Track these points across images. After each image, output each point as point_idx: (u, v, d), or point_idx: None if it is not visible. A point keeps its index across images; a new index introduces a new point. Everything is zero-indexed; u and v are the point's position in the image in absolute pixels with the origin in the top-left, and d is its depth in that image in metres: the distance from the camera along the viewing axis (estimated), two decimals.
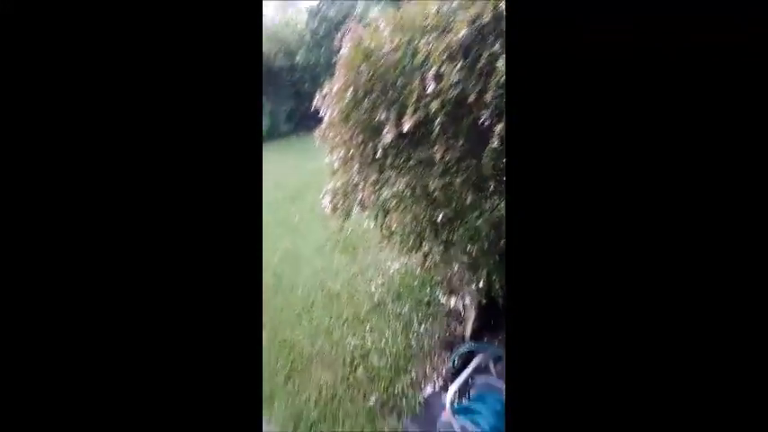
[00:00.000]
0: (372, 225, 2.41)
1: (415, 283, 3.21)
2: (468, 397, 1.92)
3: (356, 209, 2.34)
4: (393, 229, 2.09)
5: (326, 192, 2.35)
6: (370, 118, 1.89)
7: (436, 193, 1.80)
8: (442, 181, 1.75)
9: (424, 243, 2.17)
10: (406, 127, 1.61)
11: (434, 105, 1.56)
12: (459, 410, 1.76)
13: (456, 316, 2.79)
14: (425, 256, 2.22)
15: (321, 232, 4.26)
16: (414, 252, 2.22)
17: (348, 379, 2.44)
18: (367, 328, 2.84)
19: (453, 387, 1.72)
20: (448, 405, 1.64)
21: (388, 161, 1.90)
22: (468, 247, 1.92)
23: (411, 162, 1.91)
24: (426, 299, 3.00)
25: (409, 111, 1.59)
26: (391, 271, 3.42)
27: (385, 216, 2.15)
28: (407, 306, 2.98)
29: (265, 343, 2.83)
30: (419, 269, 2.31)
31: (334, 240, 4.07)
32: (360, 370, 2.50)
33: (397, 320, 2.86)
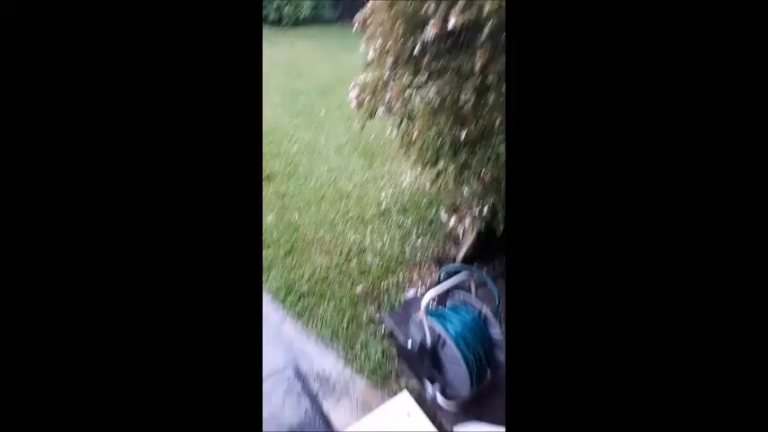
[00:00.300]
0: (395, 134, 2.37)
1: (423, 201, 3.27)
2: (444, 305, 2.09)
3: (381, 110, 2.27)
4: (413, 138, 2.05)
5: (355, 85, 2.26)
6: (415, 9, 1.72)
7: (465, 108, 1.72)
8: (474, 96, 1.66)
9: (440, 160, 2.15)
10: (451, 23, 1.47)
11: (489, 6, 1.40)
12: (431, 313, 1.94)
13: (454, 239, 2.89)
14: (439, 173, 2.22)
15: (344, 132, 4.22)
16: (428, 167, 2.21)
17: (341, 267, 2.66)
18: (368, 229, 2.99)
19: (432, 292, 1.86)
20: (423, 305, 1.80)
21: (425, 61, 1.79)
22: (483, 171, 1.90)
23: (448, 68, 1.79)
24: (430, 218, 3.08)
25: (459, 4, 1.43)
26: (403, 185, 3.46)
27: (408, 123, 2.10)
28: (410, 220, 3.09)
29: (273, 221, 3.03)
30: (429, 186, 2.31)
31: (355, 143, 4.05)
32: (353, 263, 2.70)
33: (398, 229, 2.99)
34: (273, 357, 2.16)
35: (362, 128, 2.41)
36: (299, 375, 2.03)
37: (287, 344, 2.24)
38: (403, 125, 2.23)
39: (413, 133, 2.07)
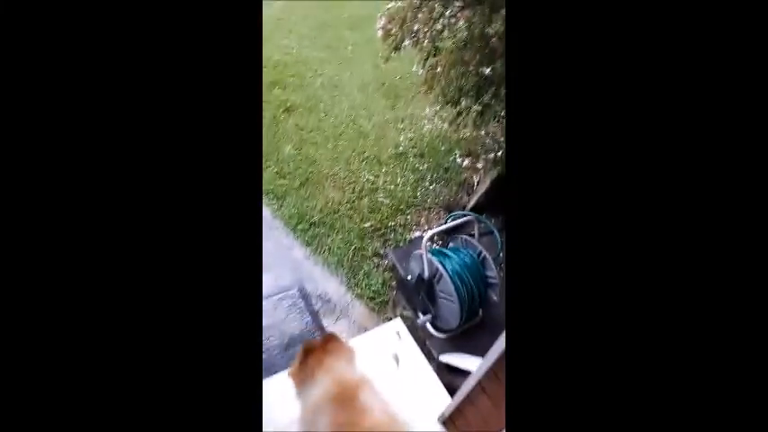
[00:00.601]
0: (420, 71, 2.28)
1: (442, 147, 3.22)
2: (447, 246, 2.15)
3: (408, 42, 2.18)
4: (438, 73, 1.98)
5: (384, 13, 2.15)
6: None
7: (493, 41, 1.63)
8: (503, 27, 1.56)
9: (462, 99, 2.08)
10: None
11: None
12: (433, 251, 2.00)
13: (467, 189, 2.88)
14: (459, 113, 2.16)
15: (369, 70, 4.08)
16: (450, 106, 2.15)
17: (352, 203, 2.72)
18: (383, 170, 3.00)
19: (435, 229, 1.91)
20: (424, 240, 1.86)
21: None
22: (504, 113, 1.84)
23: None
24: (446, 165, 3.05)
25: None
26: (424, 129, 3.39)
27: (434, 58, 2.01)
28: (426, 165, 3.06)
29: (290, 152, 3.07)
30: (448, 126, 2.26)
31: (380, 82, 3.92)
32: (365, 200, 2.75)
33: (413, 173, 2.98)
34: (282, 276, 2.31)
35: (387, 60, 2.33)
36: (304, 294, 2.18)
37: (295, 266, 2.37)
38: (429, 60, 2.14)
39: (437, 68, 1.99)
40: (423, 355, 1.84)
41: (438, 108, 2.23)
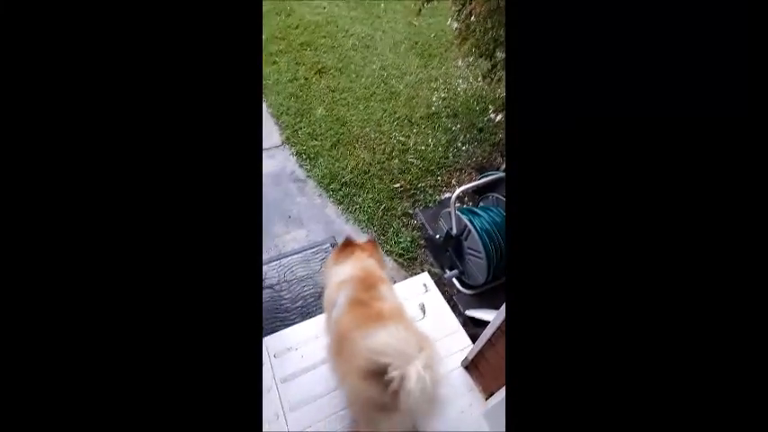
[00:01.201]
0: (455, 25, 2.19)
1: (477, 107, 3.12)
2: (477, 206, 2.14)
3: None
4: (472, 21, 1.90)
5: None
6: None
7: None
8: None
9: (497, 50, 1.99)
10: None
11: None
12: (462, 210, 2.00)
13: (501, 149, 2.80)
14: (493, 66, 2.08)
15: (402, 28, 3.95)
16: (484, 59, 2.07)
17: (383, 163, 2.74)
18: (414, 131, 2.97)
19: (464, 187, 1.90)
20: (453, 198, 1.86)
21: None
22: None
23: None
24: (480, 125, 2.97)
25: None
26: (458, 88, 3.29)
27: (469, 2, 1.92)
28: (459, 125, 3.00)
29: (322, 113, 3.10)
30: (482, 79, 2.19)
31: (412, 41, 3.80)
32: (395, 161, 2.76)
33: (445, 134, 2.94)
34: (315, 232, 2.41)
35: (419, 12, 2.25)
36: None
37: (327, 223, 2.47)
38: (464, 10, 2.04)
39: (472, 17, 1.91)
40: (448, 308, 1.90)
41: (472, 59, 2.15)
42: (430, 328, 1.81)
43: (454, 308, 1.99)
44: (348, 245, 1.44)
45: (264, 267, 2.14)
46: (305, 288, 2.10)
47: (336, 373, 1.26)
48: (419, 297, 1.91)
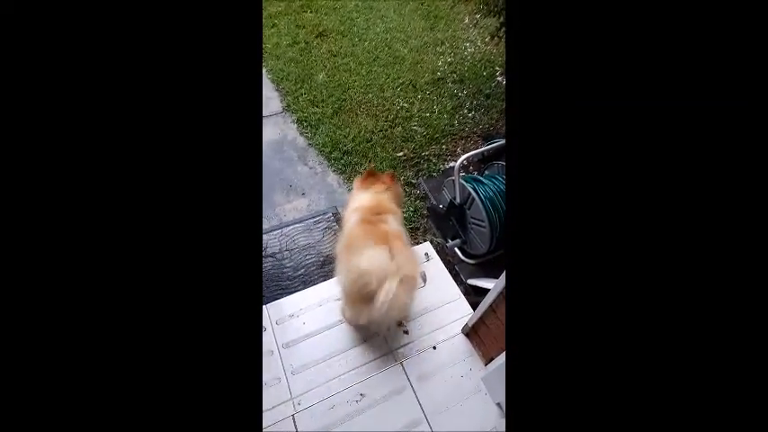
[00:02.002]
0: None
1: (484, 72, 2.99)
2: (482, 174, 2.08)
3: None
4: None
5: None
6: None
7: None
8: None
9: (504, 11, 1.86)
10: None
11: None
12: (466, 178, 1.95)
13: None
14: (502, 25, 1.96)
15: None
16: (492, 17, 1.95)
17: (386, 131, 2.66)
18: (419, 97, 2.86)
19: (468, 154, 1.84)
20: (457, 165, 1.81)
21: None
22: None
23: None
24: (488, 91, 2.85)
25: None
26: (465, 52, 3.13)
27: None
28: (466, 91, 2.88)
29: (323, 79, 2.99)
30: (490, 39, 2.07)
31: (418, 2, 3.60)
32: (399, 129, 2.68)
33: (451, 100, 2.83)
34: (317, 201, 2.38)
35: None
36: (337, 217, 2.26)
37: (329, 193, 2.43)
38: None
39: None
40: (450, 277, 1.89)
41: (480, 17, 2.02)
42: (431, 297, 1.81)
43: (456, 277, 1.98)
44: (371, 174, 1.69)
45: (266, 236, 2.14)
46: (307, 257, 2.10)
47: (339, 268, 1.50)
48: (421, 266, 1.90)
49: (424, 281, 1.85)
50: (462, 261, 2.06)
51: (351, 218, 1.54)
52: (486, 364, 1.58)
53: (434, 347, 1.65)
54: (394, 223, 1.52)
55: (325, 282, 1.87)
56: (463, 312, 1.77)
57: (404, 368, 1.59)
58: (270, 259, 2.06)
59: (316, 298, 1.80)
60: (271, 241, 2.12)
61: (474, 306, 1.78)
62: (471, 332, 1.62)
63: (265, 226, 2.21)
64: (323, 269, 2.05)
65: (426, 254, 1.94)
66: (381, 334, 1.67)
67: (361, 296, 1.34)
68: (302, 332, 1.70)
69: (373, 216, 1.50)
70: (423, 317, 1.76)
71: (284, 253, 2.09)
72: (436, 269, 1.90)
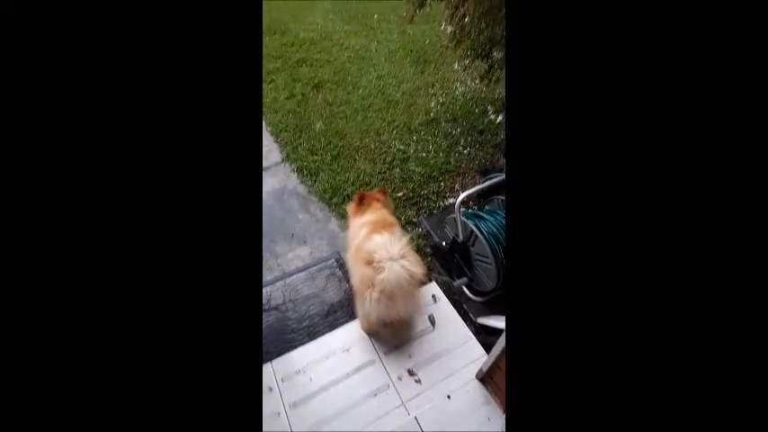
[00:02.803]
0: (449, 28, 2.16)
1: (476, 109, 3.07)
2: (483, 209, 2.07)
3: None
4: (466, 22, 1.86)
5: None
6: None
7: None
8: None
9: (494, 50, 1.95)
10: None
11: None
12: (467, 215, 1.94)
13: (503, 150, 2.74)
14: (490, 67, 2.04)
15: (396, 38, 3.95)
16: (481, 60, 2.03)
17: (384, 173, 2.70)
18: (414, 138, 2.93)
19: (468, 191, 1.84)
20: (457, 203, 1.80)
21: None
22: None
23: None
24: (481, 127, 2.91)
25: None
26: (456, 92, 3.25)
27: (462, 4, 1.88)
28: (459, 129, 2.95)
29: (321, 128, 3.09)
30: (480, 81, 2.14)
31: (407, 49, 3.79)
32: (397, 170, 2.72)
33: (445, 139, 2.89)
34: (319, 248, 2.37)
35: (412, 19, 2.23)
36: (340, 263, 2.23)
37: (331, 239, 2.42)
38: (456, 13, 2.01)
39: (465, 19, 1.87)
40: (459, 317, 1.82)
41: (468, 62, 2.11)
42: (441, 340, 1.74)
43: (465, 316, 1.91)
44: (363, 197, 1.82)
45: (269, 288, 2.11)
46: (311, 307, 2.05)
47: (351, 268, 1.71)
48: (429, 308, 1.84)
49: (433, 324, 1.79)
50: (470, 299, 1.99)
51: (360, 232, 1.66)
52: (504, 412, 1.48)
53: (449, 397, 1.56)
54: (400, 234, 1.65)
55: (330, 332, 1.82)
56: (476, 355, 1.69)
57: (418, 423, 1.49)
58: (274, 312, 2.01)
59: (322, 350, 1.73)
60: (274, 293, 2.09)
61: (487, 347, 1.70)
62: (486, 377, 1.53)
63: (268, 277, 2.19)
64: (328, 318, 2.00)
65: (433, 295, 1.89)
66: (398, 333, 1.72)
67: (368, 276, 1.48)
68: (310, 389, 1.62)
69: (382, 228, 1.63)
70: (434, 363, 1.68)
71: (288, 304, 2.05)
72: (444, 311, 1.84)
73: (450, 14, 2.07)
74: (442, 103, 3.18)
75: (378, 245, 1.51)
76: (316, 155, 2.89)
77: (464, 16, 1.93)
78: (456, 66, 2.51)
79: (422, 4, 2.12)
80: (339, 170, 2.76)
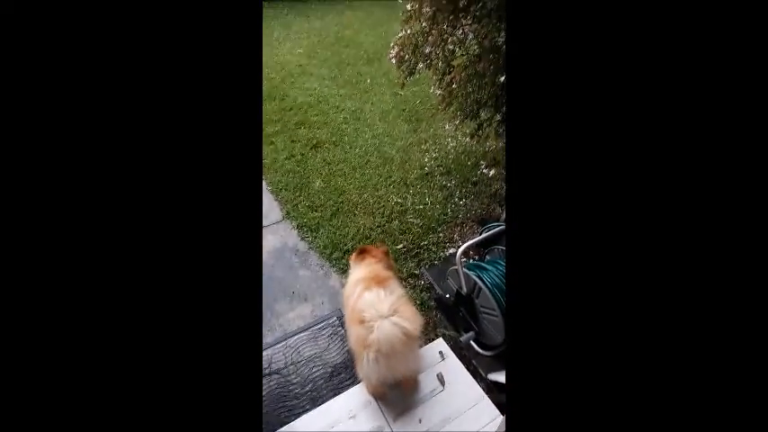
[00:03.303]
0: (438, 92, 2.34)
1: (468, 162, 3.21)
2: (483, 259, 2.08)
3: (421, 66, 2.25)
4: (454, 88, 2.02)
5: (396, 42, 2.26)
6: None
7: (505, 49, 1.64)
8: None
9: (481, 111, 2.09)
10: None
11: None
12: (469, 266, 1.95)
13: (499, 199, 2.82)
14: (480, 125, 2.17)
15: (389, 99, 4.22)
16: (470, 120, 2.17)
17: (383, 227, 2.74)
18: (411, 191, 3.02)
19: (468, 242, 1.87)
20: (458, 255, 1.82)
21: (462, 2, 1.72)
22: None
23: (486, 12, 1.71)
24: (474, 179, 3.02)
25: None
26: (448, 147, 3.41)
27: (449, 72, 2.05)
28: (454, 181, 3.05)
29: (320, 185, 3.18)
30: (470, 139, 2.27)
31: (400, 109, 4.04)
32: (395, 223, 2.76)
33: (441, 191, 2.98)
34: (320, 306, 2.33)
35: (403, 85, 2.41)
36: (341, 321, 2.18)
37: (332, 295, 2.39)
38: (444, 79, 2.19)
39: (453, 85, 2.03)
40: (469, 374, 1.75)
41: (458, 123, 2.25)
42: (452, 402, 1.65)
43: (475, 373, 1.84)
44: (363, 250, 1.85)
45: (270, 351, 2.03)
46: (313, 369, 1.96)
47: (348, 329, 1.66)
48: (436, 367, 1.77)
49: (443, 384, 1.71)
50: (479, 354, 1.93)
51: (354, 291, 1.63)
52: None
53: None
54: (396, 288, 1.62)
55: (335, 398, 1.72)
56: (490, 416, 1.59)
57: None
58: (275, 376, 1.92)
59: (327, 419, 1.63)
60: (275, 355, 2.01)
61: (500, 406, 1.62)
62: None
63: (269, 338, 2.12)
64: (332, 381, 1.91)
65: (441, 352, 1.83)
66: (406, 394, 1.67)
67: (361, 336, 1.44)
68: None
69: (376, 285, 1.58)
70: (447, 426, 1.58)
71: (289, 368, 1.97)
72: (453, 368, 1.77)
73: (438, 79, 2.25)
74: (436, 158, 3.32)
75: (367, 303, 1.48)
76: (315, 211, 2.95)
77: (451, 83, 2.09)
78: (447, 126, 2.68)
79: (412, 72, 2.30)
80: (339, 225, 2.80)
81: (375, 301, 1.46)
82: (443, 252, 2.52)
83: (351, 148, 3.59)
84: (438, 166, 3.23)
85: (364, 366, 1.49)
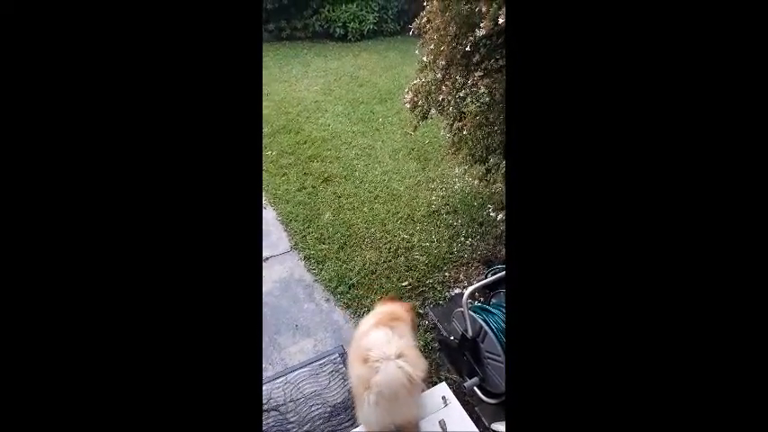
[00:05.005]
0: (448, 135, 2.44)
1: (475, 203, 3.27)
2: (489, 302, 2.08)
3: (434, 111, 2.36)
4: (464, 134, 2.11)
5: (410, 88, 2.39)
6: (467, 11, 1.79)
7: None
8: None
9: (490, 156, 2.17)
10: (501, 20, 1.52)
11: None
12: (475, 309, 1.94)
13: (504, 242, 2.84)
14: (489, 170, 2.24)
15: (399, 138, 4.37)
16: (478, 164, 2.24)
17: (389, 262, 2.76)
18: (418, 228, 3.06)
19: (475, 285, 1.88)
20: (465, 297, 1.82)
21: (475, 59, 1.85)
22: None
23: (497, 66, 1.83)
24: (480, 219, 3.07)
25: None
26: (455, 187, 3.49)
27: (460, 119, 2.15)
28: (460, 220, 3.10)
29: (329, 218, 3.24)
30: (478, 183, 2.33)
31: (409, 148, 4.17)
32: (401, 259, 2.79)
33: (447, 230, 3.02)
34: (322, 341, 2.31)
35: (416, 129, 2.52)
36: (344, 357, 2.15)
37: (335, 330, 2.38)
38: (455, 124, 2.29)
39: (463, 131, 2.12)
40: (472, 422, 1.70)
41: (467, 167, 2.33)
42: None
43: (478, 422, 1.79)
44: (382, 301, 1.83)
45: (269, 385, 2.00)
46: (312, 407, 1.92)
47: (350, 364, 1.61)
48: (439, 413, 1.73)
49: (444, 430, 1.66)
50: (483, 401, 1.88)
51: (365, 323, 1.63)
52: None
53: None
54: (406, 332, 1.58)
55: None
56: None
57: None
58: (273, 413, 1.88)
59: None
60: (274, 391, 1.98)
61: None
62: None
63: (270, 373, 2.09)
64: (331, 422, 1.86)
65: (443, 397, 1.79)
66: None
67: (363, 376, 1.41)
68: None
69: (387, 321, 1.59)
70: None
71: (288, 404, 1.92)
72: (456, 415, 1.72)
73: (449, 124, 2.36)
74: (443, 197, 3.39)
75: (374, 342, 1.45)
76: (323, 243, 2.99)
77: (461, 128, 2.19)
78: (456, 170, 2.76)
79: (425, 117, 2.41)
80: (345, 258, 2.83)
81: (383, 341, 1.44)
82: (449, 292, 2.52)
83: (361, 182, 3.68)
84: (445, 205, 3.29)
85: (364, 409, 1.46)
